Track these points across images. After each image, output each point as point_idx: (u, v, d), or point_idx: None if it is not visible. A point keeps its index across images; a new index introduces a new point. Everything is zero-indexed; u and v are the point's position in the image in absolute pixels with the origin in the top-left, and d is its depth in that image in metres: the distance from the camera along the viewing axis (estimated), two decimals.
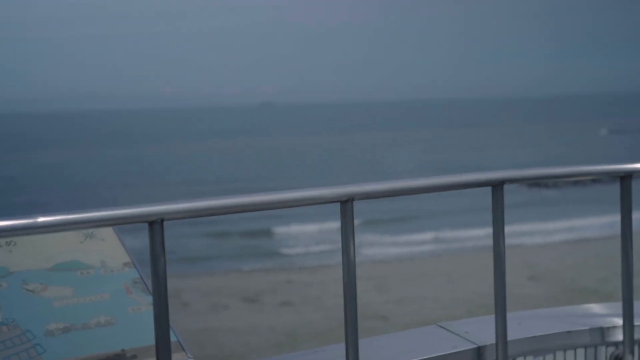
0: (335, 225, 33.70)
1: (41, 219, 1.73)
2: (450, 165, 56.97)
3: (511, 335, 2.66)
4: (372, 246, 29.39)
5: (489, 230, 2.78)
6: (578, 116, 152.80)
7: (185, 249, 31.70)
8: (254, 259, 30.18)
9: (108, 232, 2.30)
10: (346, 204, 2.11)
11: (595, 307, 3.13)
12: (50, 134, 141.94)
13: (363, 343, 2.46)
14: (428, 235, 30.93)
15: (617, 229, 2.77)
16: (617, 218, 2.79)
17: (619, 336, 2.87)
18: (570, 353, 2.82)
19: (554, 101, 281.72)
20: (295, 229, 33.53)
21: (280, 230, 33.71)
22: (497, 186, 2.40)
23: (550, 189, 42.69)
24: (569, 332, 2.85)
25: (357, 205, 2.20)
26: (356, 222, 2.25)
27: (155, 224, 1.78)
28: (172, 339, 2.01)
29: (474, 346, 2.67)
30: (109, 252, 2.25)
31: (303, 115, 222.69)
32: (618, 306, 2.82)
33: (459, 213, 36.61)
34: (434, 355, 2.63)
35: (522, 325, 2.91)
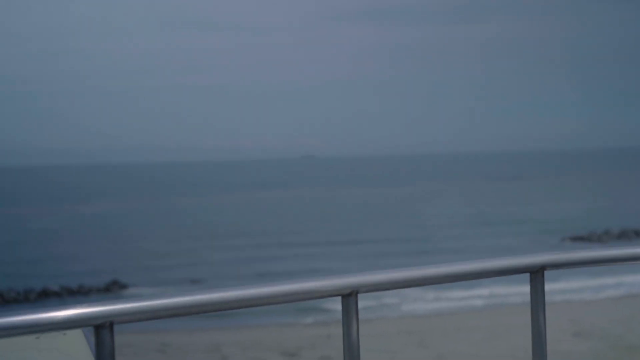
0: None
1: None
2: (499, 219, 56.45)
3: None
4: (416, 301, 29.04)
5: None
6: (615, 168, 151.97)
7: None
8: (292, 312, 29.98)
9: None
10: (349, 297, 1.82)
11: None
12: (104, 185, 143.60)
13: None
14: (473, 292, 30.39)
15: None
16: None
17: None
18: None
19: (589, 154, 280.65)
20: None
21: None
22: (536, 272, 2.10)
23: (593, 242, 42.04)
24: None
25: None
26: None
27: (103, 329, 1.49)
28: None
29: None
30: (71, 351, 1.93)
31: (344, 167, 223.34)
32: None
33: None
34: None
35: None
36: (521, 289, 29.82)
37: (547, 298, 2.30)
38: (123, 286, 36.19)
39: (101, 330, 1.48)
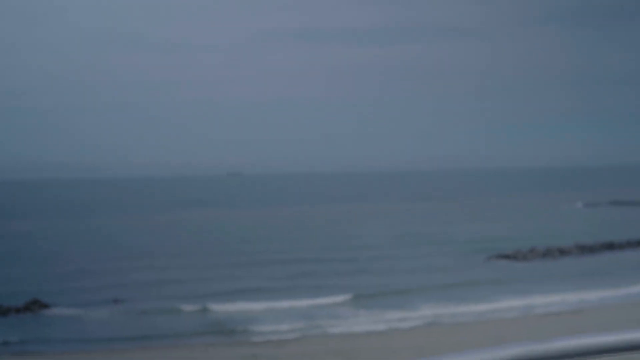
0: (287, 304, 32.90)
1: None
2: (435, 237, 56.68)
3: None
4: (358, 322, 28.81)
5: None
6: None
7: (151, 325, 30.91)
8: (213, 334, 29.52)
9: None
10: None
11: None
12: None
13: None
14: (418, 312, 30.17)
15: None
16: None
17: None
18: None
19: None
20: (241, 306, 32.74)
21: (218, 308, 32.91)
22: None
23: (519, 260, 42.42)
24: None
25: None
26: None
27: None
28: None
29: None
30: None
31: (270, 185, 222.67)
32: None
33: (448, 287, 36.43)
34: None
35: None
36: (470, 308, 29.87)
37: None
38: (44, 305, 35.17)
39: None
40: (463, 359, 1.76)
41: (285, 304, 31.93)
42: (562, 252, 43.49)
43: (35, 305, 35.43)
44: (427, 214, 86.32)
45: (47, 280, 42.13)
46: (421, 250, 48.50)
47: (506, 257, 43.06)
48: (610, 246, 45.53)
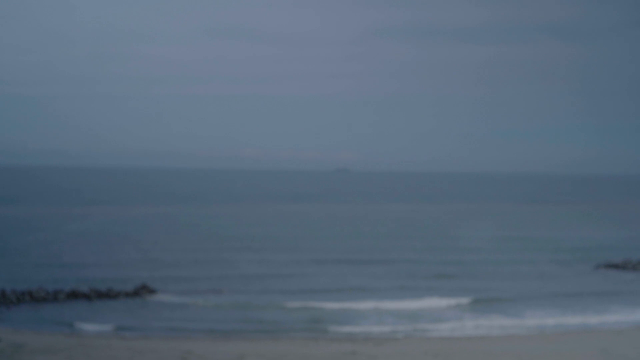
0: (391, 305, 32.46)
1: None
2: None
3: None
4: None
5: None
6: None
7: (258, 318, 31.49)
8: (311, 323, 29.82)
9: None
10: None
11: None
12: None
13: None
14: None
15: None
16: None
17: None
18: None
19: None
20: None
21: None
22: None
23: (628, 270, 41.41)
24: None
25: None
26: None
27: None
28: None
29: None
30: None
31: (377, 182, 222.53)
32: None
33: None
34: None
35: None
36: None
37: None
38: (151, 291, 36.15)
39: None
40: None
41: (390, 304, 32.10)
42: None
43: (143, 291, 36.42)
44: (535, 217, 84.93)
45: (155, 268, 43.25)
46: (528, 256, 47.81)
47: (615, 266, 42.08)
48: None
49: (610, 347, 22.24)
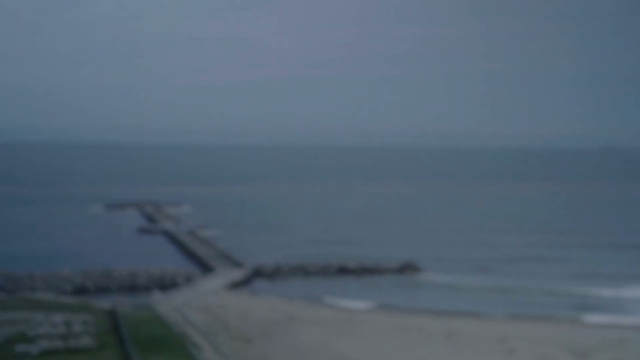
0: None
1: None
2: None
3: None
4: None
5: None
6: None
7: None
8: (575, 307, 29.30)
9: None
10: None
11: None
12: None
13: None
14: None
15: None
16: None
17: None
18: None
19: None
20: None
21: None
22: None
23: None
24: None
25: None
26: None
27: None
28: None
29: None
30: None
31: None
32: None
33: None
34: None
35: None
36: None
37: None
38: (416, 269, 36.98)
39: None
40: None
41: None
42: None
43: (408, 268, 37.37)
44: None
45: (419, 247, 44.21)
46: None
47: None
48: None
49: None
